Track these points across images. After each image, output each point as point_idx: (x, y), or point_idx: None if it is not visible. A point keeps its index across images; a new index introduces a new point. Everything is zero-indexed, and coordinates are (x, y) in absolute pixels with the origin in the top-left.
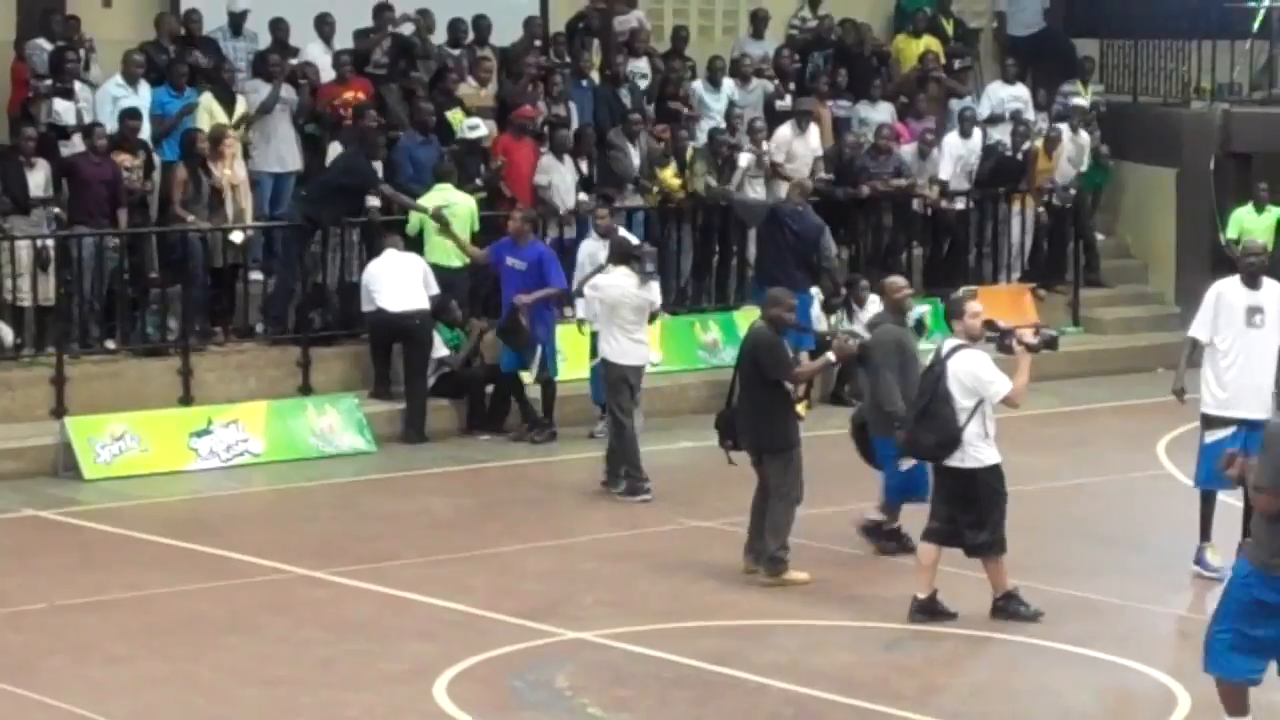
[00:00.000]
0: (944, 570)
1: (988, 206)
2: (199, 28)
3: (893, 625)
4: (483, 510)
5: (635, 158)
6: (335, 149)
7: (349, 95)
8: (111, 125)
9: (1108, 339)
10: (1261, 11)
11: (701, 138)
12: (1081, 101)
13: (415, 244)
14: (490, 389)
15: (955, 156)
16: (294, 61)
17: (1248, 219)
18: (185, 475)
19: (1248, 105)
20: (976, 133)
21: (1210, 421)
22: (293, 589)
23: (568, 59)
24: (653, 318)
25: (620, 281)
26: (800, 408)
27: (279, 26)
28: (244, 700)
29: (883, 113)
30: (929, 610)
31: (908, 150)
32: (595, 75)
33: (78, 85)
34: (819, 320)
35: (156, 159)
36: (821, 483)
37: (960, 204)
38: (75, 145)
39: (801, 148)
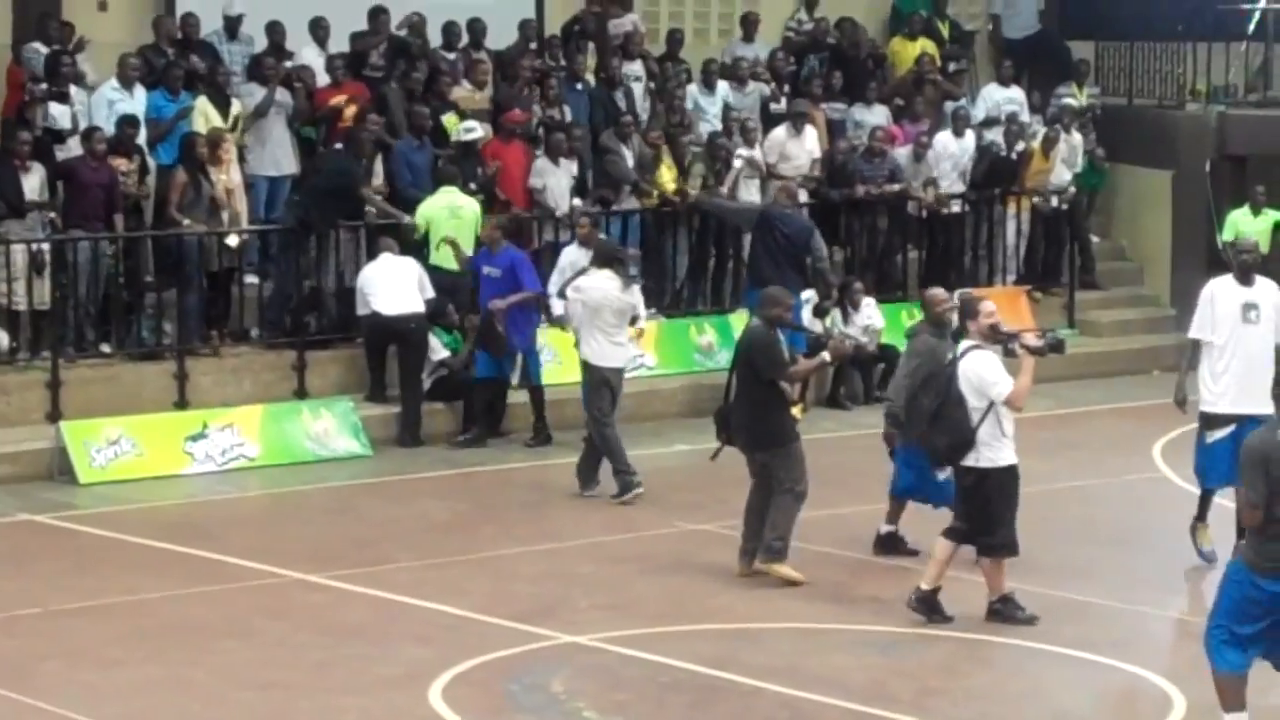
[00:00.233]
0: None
1: (983, 209)
2: (196, 31)
3: (888, 628)
4: (478, 514)
5: (631, 160)
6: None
7: (340, 99)
8: (107, 129)
9: (1103, 341)
10: (1256, 14)
11: (698, 146)
12: (1073, 102)
13: (421, 245)
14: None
15: (948, 155)
16: (289, 65)
17: (1244, 221)
18: (180, 479)
19: (1243, 107)
20: (969, 133)
21: (1209, 421)
22: (288, 593)
23: (563, 62)
24: (634, 321)
25: (603, 284)
26: (795, 411)
27: (274, 30)
28: (239, 704)
29: (878, 115)
30: (928, 603)
31: (902, 153)
32: (590, 78)
33: (73, 89)
34: (814, 324)
35: (151, 163)
36: (815, 486)
37: (955, 207)
38: (70, 149)
39: (796, 149)
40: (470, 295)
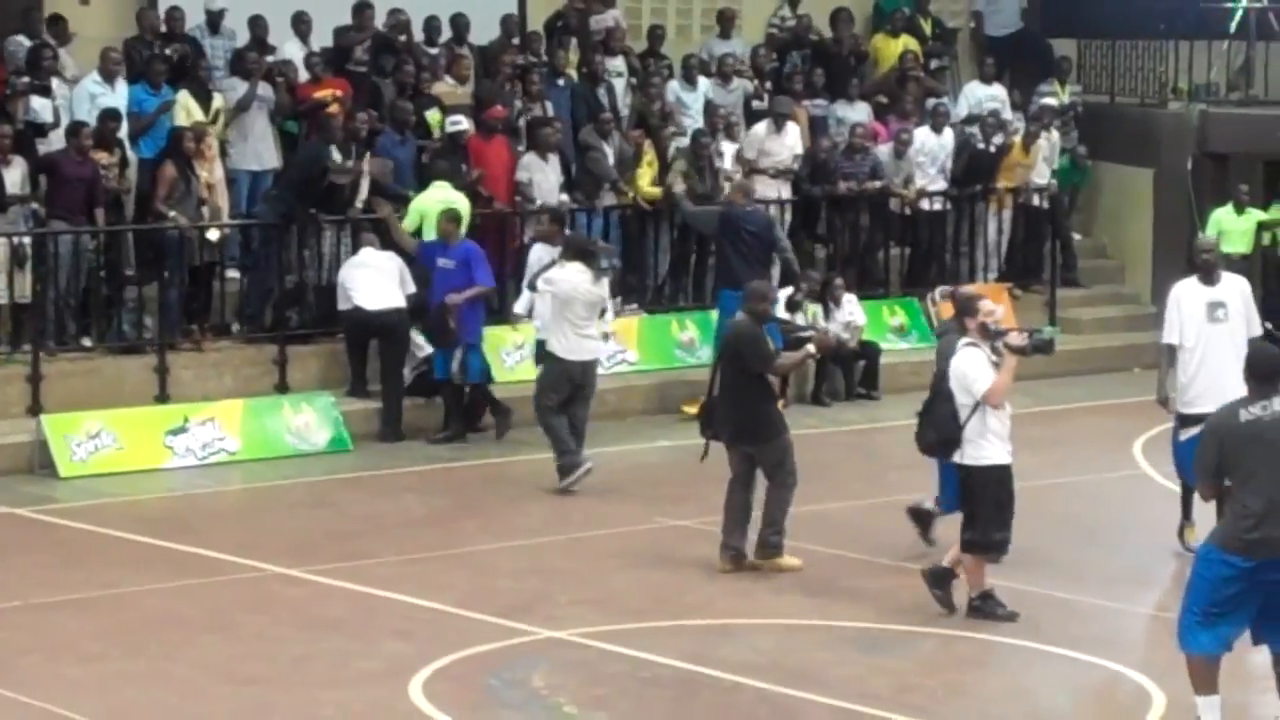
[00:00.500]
0: (919, 570)
1: (964, 206)
2: (180, 25)
3: (869, 625)
4: (459, 508)
5: (611, 157)
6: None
7: (327, 93)
8: (88, 122)
9: (1084, 339)
10: (1238, 12)
11: (685, 138)
12: (1052, 101)
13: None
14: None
15: (927, 152)
16: (271, 59)
17: (1227, 220)
18: (161, 473)
19: (1225, 106)
20: (949, 130)
21: (1184, 420)
22: (268, 587)
23: (545, 57)
24: (602, 314)
25: (574, 277)
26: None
27: (257, 24)
28: (219, 698)
29: (860, 112)
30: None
31: (883, 150)
32: (573, 74)
33: (55, 82)
34: (792, 318)
35: (132, 156)
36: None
37: (937, 204)
38: (51, 143)
39: (776, 146)
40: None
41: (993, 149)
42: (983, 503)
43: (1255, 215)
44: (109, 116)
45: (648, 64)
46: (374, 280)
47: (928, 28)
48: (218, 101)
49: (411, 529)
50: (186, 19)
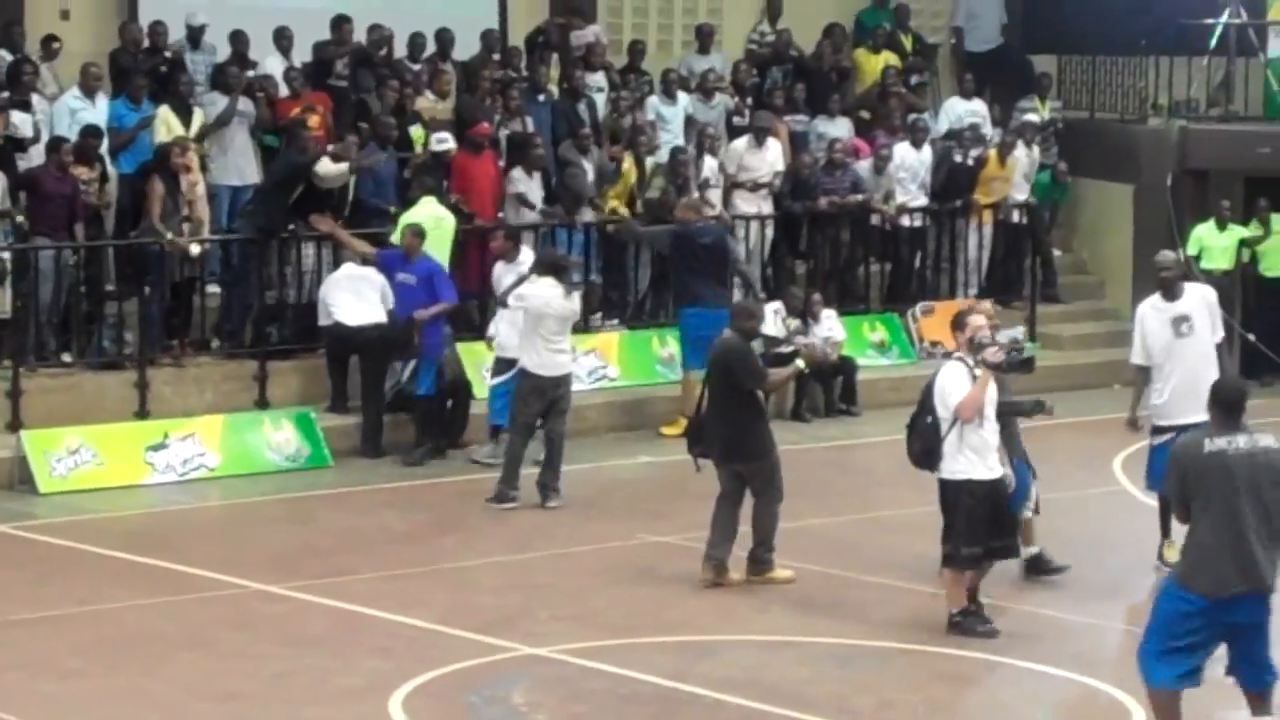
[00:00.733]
0: (899, 587)
1: (944, 221)
2: (164, 39)
3: (849, 641)
4: (439, 525)
5: (592, 173)
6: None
7: (311, 115)
8: (69, 138)
9: (1064, 355)
10: (1218, 28)
11: (663, 153)
12: (1032, 118)
13: None
14: (449, 404)
15: (906, 167)
16: (252, 74)
17: (1209, 236)
18: (141, 489)
19: (1205, 122)
20: (928, 145)
21: (1157, 431)
22: (248, 603)
23: (525, 73)
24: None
25: (545, 292)
26: None
27: (238, 39)
28: (199, 715)
29: (841, 128)
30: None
31: (864, 165)
32: (553, 89)
33: (35, 98)
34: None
35: (112, 172)
36: None
37: (916, 220)
38: (31, 158)
39: (756, 161)
40: None
41: (970, 162)
42: (952, 516)
43: (1237, 232)
44: (90, 133)
45: (628, 80)
46: (355, 296)
47: (908, 43)
48: (198, 117)
49: (392, 545)
50: (170, 33)
